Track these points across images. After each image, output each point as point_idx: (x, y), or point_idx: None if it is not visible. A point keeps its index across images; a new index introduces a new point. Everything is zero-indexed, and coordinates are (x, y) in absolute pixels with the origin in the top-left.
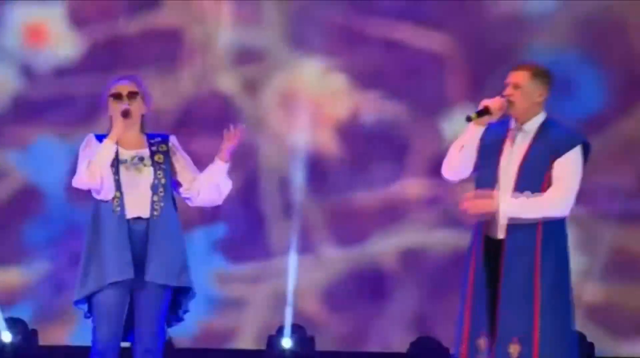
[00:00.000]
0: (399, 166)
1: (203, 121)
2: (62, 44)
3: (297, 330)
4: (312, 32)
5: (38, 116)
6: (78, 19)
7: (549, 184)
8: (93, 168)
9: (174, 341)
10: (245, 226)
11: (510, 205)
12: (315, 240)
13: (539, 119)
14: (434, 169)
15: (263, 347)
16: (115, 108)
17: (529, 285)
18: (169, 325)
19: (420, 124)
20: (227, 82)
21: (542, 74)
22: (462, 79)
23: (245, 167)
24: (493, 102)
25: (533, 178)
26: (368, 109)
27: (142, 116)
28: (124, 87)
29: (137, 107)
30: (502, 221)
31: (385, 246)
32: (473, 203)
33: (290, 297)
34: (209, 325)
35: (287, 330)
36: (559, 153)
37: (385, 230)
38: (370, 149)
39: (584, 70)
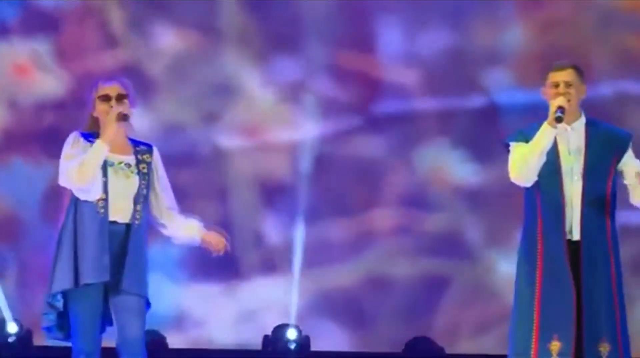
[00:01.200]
0: (371, 196)
1: (166, 154)
2: (47, 79)
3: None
4: (280, 63)
5: (21, 146)
6: (62, 56)
7: (613, 181)
8: (85, 169)
9: (168, 341)
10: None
11: None
12: (287, 261)
13: (583, 117)
14: (406, 199)
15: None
16: (104, 110)
17: (607, 283)
18: (104, 330)
19: (392, 155)
20: (189, 115)
21: (582, 71)
22: (432, 111)
23: (216, 197)
24: (563, 101)
25: (599, 175)
26: (340, 140)
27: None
28: (113, 89)
29: (124, 110)
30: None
31: (355, 272)
32: None
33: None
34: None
35: (292, 322)
36: (619, 149)
37: (356, 257)
38: (342, 179)
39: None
